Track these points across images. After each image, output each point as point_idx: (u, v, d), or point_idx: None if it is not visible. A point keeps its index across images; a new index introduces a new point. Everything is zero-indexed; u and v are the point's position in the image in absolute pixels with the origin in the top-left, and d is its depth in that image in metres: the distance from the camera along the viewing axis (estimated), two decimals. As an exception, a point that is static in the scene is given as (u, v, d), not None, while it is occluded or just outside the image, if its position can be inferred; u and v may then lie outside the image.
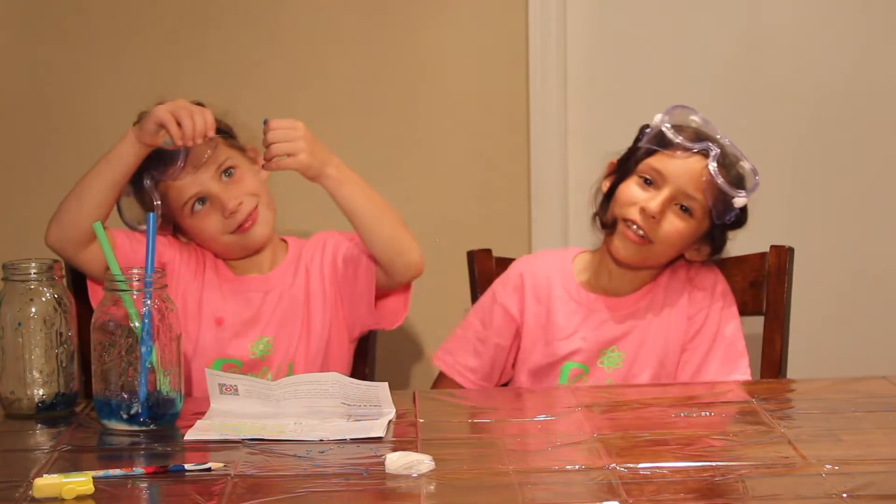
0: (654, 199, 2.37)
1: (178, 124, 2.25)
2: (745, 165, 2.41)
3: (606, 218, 2.44)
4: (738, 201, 2.38)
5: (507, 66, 2.96)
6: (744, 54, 3.00)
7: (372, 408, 2.05)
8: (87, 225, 2.27)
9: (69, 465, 1.86)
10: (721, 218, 2.39)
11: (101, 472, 1.77)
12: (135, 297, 2.02)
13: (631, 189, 2.40)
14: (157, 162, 2.36)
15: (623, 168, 2.44)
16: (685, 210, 2.38)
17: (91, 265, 2.34)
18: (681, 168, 2.38)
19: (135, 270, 2.06)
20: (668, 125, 2.40)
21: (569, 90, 2.97)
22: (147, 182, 2.38)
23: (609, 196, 2.44)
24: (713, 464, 1.80)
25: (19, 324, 2.10)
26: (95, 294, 2.38)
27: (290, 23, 2.97)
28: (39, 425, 2.08)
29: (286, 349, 2.41)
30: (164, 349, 2.02)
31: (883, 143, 3.02)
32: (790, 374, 2.58)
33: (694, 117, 2.45)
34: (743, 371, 2.42)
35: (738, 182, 2.40)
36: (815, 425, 1.98)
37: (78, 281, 2.43)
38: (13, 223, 2.99)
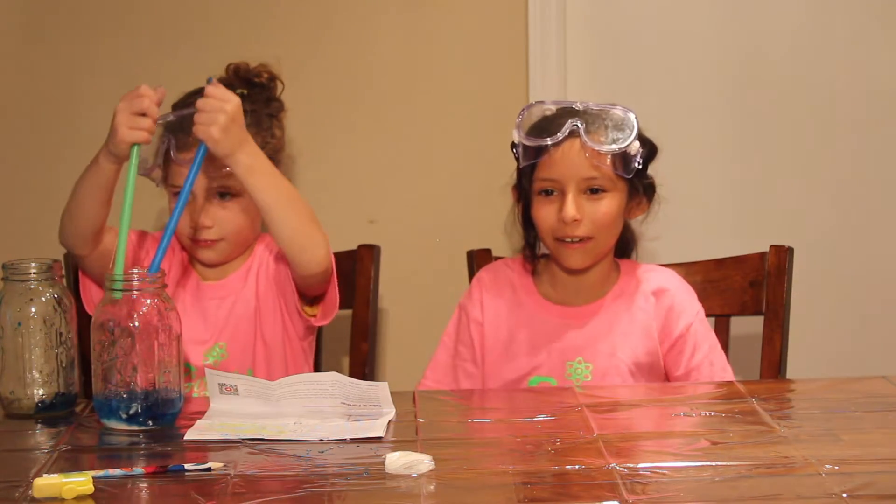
0: (565, 206, 2.34)
1: (144, 114, 2.20)
2: (616, 112, 2.37)
3: (539, 245, 2.44)
4: (632, 147, 2.35)
5: (507, 66, 2.96)
6: (745, 53, 3.00)
7: (372, 408, 2.05)
8: (88, 228, 2.29)
9: (69, 464, 1.86)
10: (630, 171, 2.36)
11: (100, 472, 1.77)
12: (135, 296, 2.02)
13: (541, 209, 2.39)
14: (182, 134, 2.38)
15: (521, 191, 2.43)
16: (596, 191, 2.36)
17: (98, 266, 2.35)
18: (563, 161, 2.35)
19: (135, 271, 2.07)
20: (524, 135, 2.37)
21: (569, 90, 2.97)
22: (164, 143, 2.42)
23: (527, 222, 2.44)
24: (713, 464, 1.80)
25: (19, 324, 2.10)
26: (87, 295, 2.39)
27: (289, 22, 2.97)
28: (39, 425, 2.08)
29: (241, 355, 2.42)
30: (163, 349, 2.02)
31: (883, 142, 3.02)
32: (790, 374, 2.58)
33: (546, 107, 2.41)
34: (728, 371, 2.40)
35: (620, 131, 2.35)
36: (814, 425, 1.98)
37: (78, 281, 2.43)
38: (13, 223, 3.00)
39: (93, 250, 2.34)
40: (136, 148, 2.19)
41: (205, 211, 2.41)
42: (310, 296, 2.43)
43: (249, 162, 2.26)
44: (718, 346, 2.44)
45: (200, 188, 2.40)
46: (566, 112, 2.38)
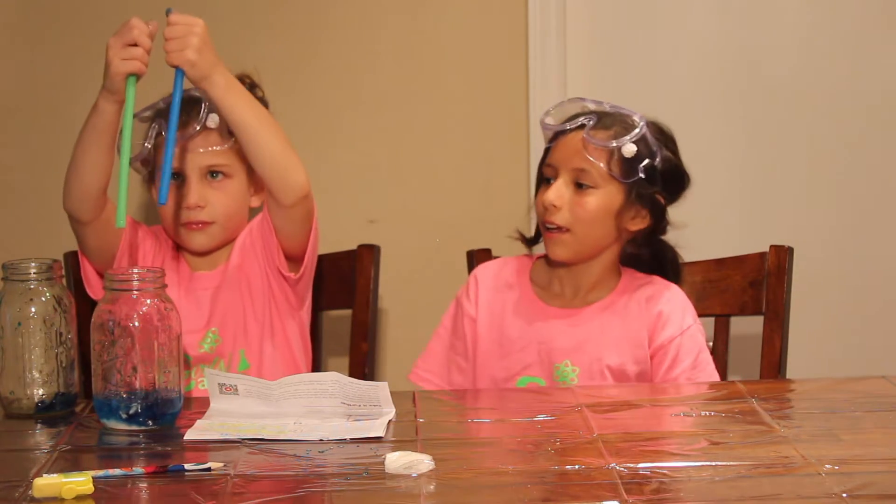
0: (548, 190, 2.37)
1: (135, 44, 2.23)
2: (632, 117, 2.38)
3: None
4: (626, 150, 2.35)
5: (507, 65, 2.96)
6: (745, 53, 3.00)
7: (372, 408, 2.05)
8: (91, 183, 2.30)
9: (69, 464, 1.86)
10: (627, 176, 2.36)
11: (100, 472, 1.77)
12: (135, 296, 2.02)
13: (538, 195, 2.41)
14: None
15: (538, 178, 2.46)
16: (585, 186, 2.36)
17: (98, 241, 2.34)
18: (562, 149, 2.38)
19: (135, 271, 2.07)
20: (547, 119, 2.41)
21: (569, 90, 2.97)
22: (154, 126, 2.44)
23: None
24: (713, 464, 1.80)
25: (19, 324, 2.10)
26: (88, 284, 2.40)
27: (289, 22, 2.97)
28: (39, 425, 2.08)
29: (234, 338, 2.43)
30: (163, 349, 2.02)
31: (883, 142, 3.02)
32: (790, 374, 2.57)
33: (585, 103, 2.44)
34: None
35: (622, 130, 2.36)
36: (814, 425, 1.98)
37: (78, 281, 2.43)
38: (13, 223, 2.99)
39: (95, 217, 2.34)
40: (131, 80, 2.20)
41: (196, 191, 2.41)
42: (294, 255, 2.43)
43: (225, 82, 2.28)
44: (708, 368, 2.39)
45: (192, 167, 2.41)
46: (591, 110, 2.41)
